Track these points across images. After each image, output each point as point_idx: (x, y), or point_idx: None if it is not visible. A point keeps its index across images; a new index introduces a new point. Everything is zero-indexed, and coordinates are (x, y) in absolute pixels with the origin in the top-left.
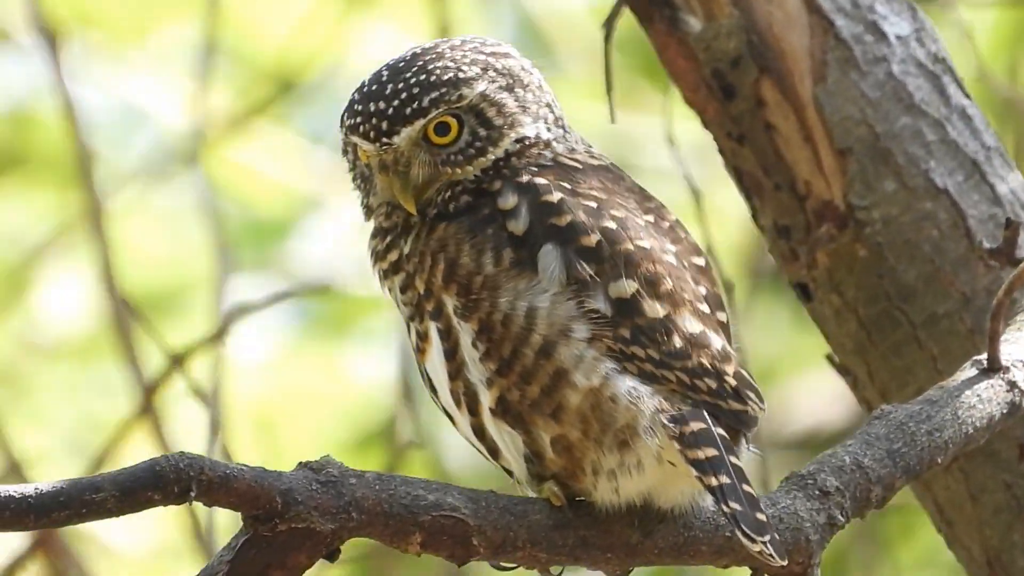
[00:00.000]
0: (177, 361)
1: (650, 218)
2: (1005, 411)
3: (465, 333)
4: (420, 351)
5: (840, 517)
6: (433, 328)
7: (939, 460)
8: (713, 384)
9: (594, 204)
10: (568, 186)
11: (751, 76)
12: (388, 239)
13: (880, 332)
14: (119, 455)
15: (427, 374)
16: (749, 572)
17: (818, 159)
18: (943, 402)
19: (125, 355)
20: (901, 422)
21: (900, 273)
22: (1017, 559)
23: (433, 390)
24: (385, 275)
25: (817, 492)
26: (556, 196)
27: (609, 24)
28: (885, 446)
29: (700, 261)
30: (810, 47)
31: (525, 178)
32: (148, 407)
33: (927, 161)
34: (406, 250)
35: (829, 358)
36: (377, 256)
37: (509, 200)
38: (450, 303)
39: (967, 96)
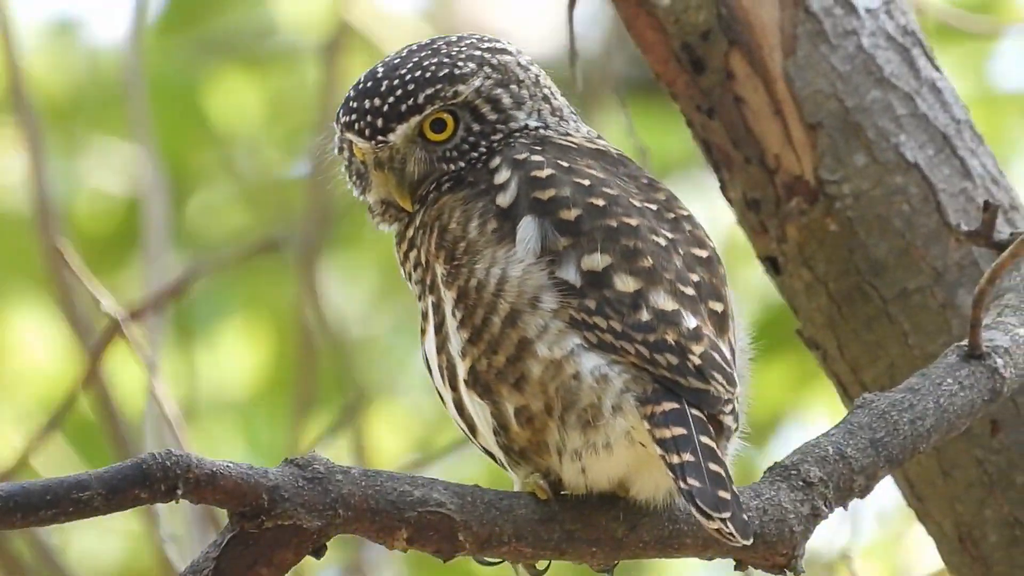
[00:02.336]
0: (126, 319)
1: (652, 206)
2: (987, 398)
3: (448, 302)
4: (422, 332)
5: (824, 508)
6: (429, 303)
7: (922, 448)
8: (674, 360)
9: (587, 182)
10: (565, 164)
11: (720, 49)
12: (408, 219)
13: (850, 306)
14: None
15: (425, 355)
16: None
17: (788, 133)
18: (925, 390)
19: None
20: (883, 411)
21: (871, 247)
22: (989, 535)
23: (429, 370)
24: (405, 257)
25: (801, 483)
26: (547, 172)
27: None
28: (868, 435)
29: (703, 253)
30: (780, 20)
31: (523, 155)
32: (95, 368)
33: (897, 135)
34: (417, 223)
35: (799, 332)
36: (400, 238)
37: (503, 175)
38: (439, 271)
39: (937, 69)
